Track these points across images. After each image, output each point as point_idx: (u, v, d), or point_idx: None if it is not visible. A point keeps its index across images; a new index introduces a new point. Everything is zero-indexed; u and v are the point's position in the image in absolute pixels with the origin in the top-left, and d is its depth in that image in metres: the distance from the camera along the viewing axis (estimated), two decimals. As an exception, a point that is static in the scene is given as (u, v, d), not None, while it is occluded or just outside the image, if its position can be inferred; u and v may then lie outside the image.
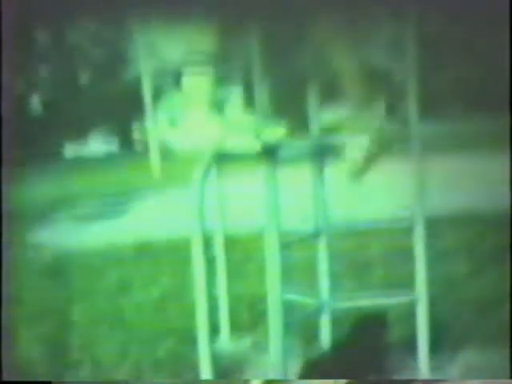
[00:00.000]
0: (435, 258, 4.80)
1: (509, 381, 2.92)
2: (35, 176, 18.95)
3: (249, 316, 4.82)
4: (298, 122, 3.61)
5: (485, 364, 3.82)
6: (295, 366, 3.78)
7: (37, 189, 15.82)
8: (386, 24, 3.56)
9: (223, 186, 4.45)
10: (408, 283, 3.91)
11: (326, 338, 3.89)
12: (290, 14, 3.25)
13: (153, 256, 7.11)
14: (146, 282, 6.00)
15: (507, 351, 3.93)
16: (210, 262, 4.16)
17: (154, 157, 15.30)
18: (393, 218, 5.20)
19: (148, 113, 18.44)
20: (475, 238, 6.65)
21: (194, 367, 3.34)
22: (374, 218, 7.19)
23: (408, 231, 3.75)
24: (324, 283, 3.88)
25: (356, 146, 3.62)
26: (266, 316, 3.91)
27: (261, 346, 4.23)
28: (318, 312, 3.88)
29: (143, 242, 7.91)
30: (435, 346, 3.77)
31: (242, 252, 6.41)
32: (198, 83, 3.09)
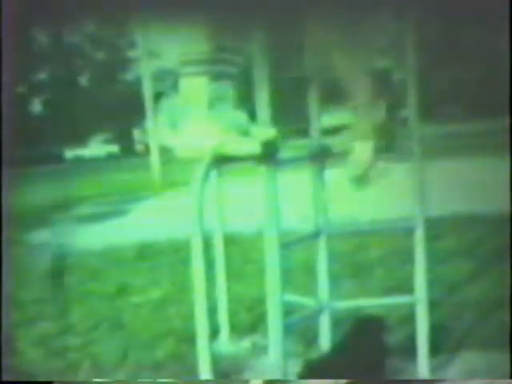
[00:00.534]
0: (435, 259, 4.81)
1: (509, 381, 2.92)
2: (36, 177, 18.96)
3: (248, 317, 4.82)
4: (299, 123, 3.60)
5: (484, 366, 3.81)
6: (295, 367, 3.78)
7: (37, 190, 15.84)
8: (387, 25, 3.55)
9: (223, 188, 4.45)
10: (408, 285, 3.91)
11: (325, 339, 3.89)
12: (290, 15, 3.25)
13: (152, 258, 7.12)
14: (146, 284, 6.00)
15: (507, 353, 3.93)
16: (210, 263, 4.16)
17: (155, 159, 15.31)
18: (393, 219, 5.19)
19: (148, 115, 18.45)
20: (475, 240, 6.65)
21: (194, 368, 3.33)
22: (374, 219, 7.19)
23: (408, 233, 3.74)
24: (323, 284, 3.87)
25: (359, 149, 3.62)
26: (266, 317, 3.91)
27: (260, 348, 4.23)
28: (317, 313, 3.88)
29: (143, 243, 7.91)
30: (435, 348, 3.76)
31: (241, 253, 6.41)
32: (196, 84, 3.08)
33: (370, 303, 4.09)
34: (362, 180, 3.68)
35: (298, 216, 4.38)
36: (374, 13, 3.43)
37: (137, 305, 5.47)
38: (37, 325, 5.02)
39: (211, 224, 4.34)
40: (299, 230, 4.11)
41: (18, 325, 4.97)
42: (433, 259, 4.18)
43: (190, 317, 3.37)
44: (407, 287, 3.94)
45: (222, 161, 3.37)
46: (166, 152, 13.09)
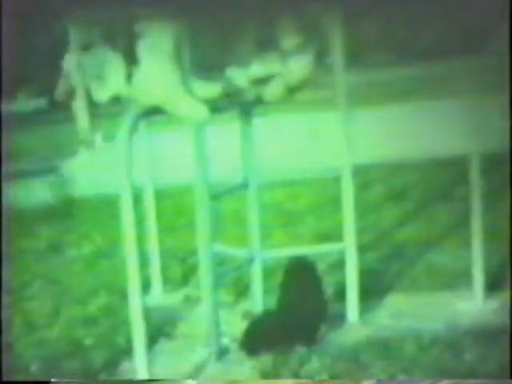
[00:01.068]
0: (364, 206, 4.89)
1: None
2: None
3: (180, 270, 4.83)
4: (227, 76, 3.57)
5: (411, 309, 3.91)
6: (227, 317, 3.82)
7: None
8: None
9: (152, 141, 4.43)
10: (338, 232, 3.96)
11: (257, 288, 3.93)
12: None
13: (83, 213, 7.05)
14: (77, 240, 5.95)
15: (434, 297, 4.04)
16: (142, 217, 4.15)
17: (82, 113, 15.09)
18: (321, 168, 5.24)
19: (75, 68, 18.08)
20: (403, 186, 6.75)
21: (127, 322, 3.34)
22: (303, 169, 7.24)
23: (337, 181, 3.79)
24: (254, 234, 3.90)
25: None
26: (198, 269, 3.93)
27: (193, 299, 4.26)
28: (248, 263, 3.91)
29: (73, 199, 7.82)
30: (364, 293, 3.84)
31: (172, 206, 6.41)
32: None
33: (301, 251, 4.13)
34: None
35: (227, 168, 4.39)
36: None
37: (69, 260, 5.44)
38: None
39: (142, 178, 4.32)
40: (228, 180, 4.12)
41: None
42: (361, 206, 4.25)
43: (122, 271, 3.38)
44: (337, 235, 4.00)
45: (149, 113, 3.35)
46: (93, 105, 12.89)
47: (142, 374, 3.18)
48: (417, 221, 5.58)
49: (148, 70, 3.15)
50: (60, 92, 14.20)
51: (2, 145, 12.55)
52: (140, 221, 3.54)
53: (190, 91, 3.18)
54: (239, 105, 3.76)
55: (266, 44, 3.53)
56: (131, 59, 3.16)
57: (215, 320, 3.52)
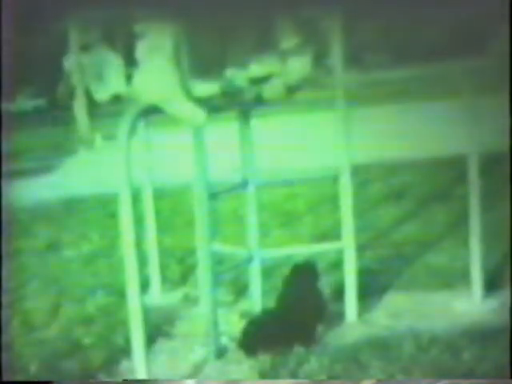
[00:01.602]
0: (362, 206, 4.89)
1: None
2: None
3: (179, 269, 4.83)
4: (227, 76, 3.58)
5: (409, 307, 3.91)
6: (226, 317, 3.83)
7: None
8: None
9: (151, 141, 4.42)
10: (336, 231, 3.96)
11: (255, 287, 3.93)
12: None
13: (81, 212, 7.05)
14: (76, 239, 5.95)
15: (432, 295, 4.04)
16: (140, 216, 4.15)
17: (82, 112, 15.08)
18: (319, 167, 5.23)
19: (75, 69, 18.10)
20: (401, 185, 6.75)
21: (125, 322, 3.34)
22: (302, 169, 7.23)
23: (335, 180, 3.79)
24: (253, 233, 3.90)
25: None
26: (196, 268, 3.93)
27: (191, 299, 4.26)
28: (247, 262, 3.91)
29: (72, 198, 7.81)
30: (362, 292, 3.84)
31: (171, 206, 6.40)
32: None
33: (300, 251, 4.13)
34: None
35: (226, 167, 4.39)
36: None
37: (67, 260, 5.44)
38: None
39: (141, 177, 4.32)
40: (228, 180, 4.12)
41: None
42: (360, 206, 4.25)
43: (120, 271, 3.37)
44: (335, 234, 4.00)
45: (149, 112, 3.35)
46: (93, 105, 12.91)
47: (141, 374, 3.18)
48: (415, 220, 5.57)
49: (147, 70, 3.16)
50: (60, 92, 14.17)
51: (2, 145, 12.52)
52: (138, 220, 3.53)
53: (189, 92, 3.18)
54: (238, 104, 3.76)
55: (265, 44, 3.54)
56: (131, 60, 3.17)
57: (214, 319, 3.52)
